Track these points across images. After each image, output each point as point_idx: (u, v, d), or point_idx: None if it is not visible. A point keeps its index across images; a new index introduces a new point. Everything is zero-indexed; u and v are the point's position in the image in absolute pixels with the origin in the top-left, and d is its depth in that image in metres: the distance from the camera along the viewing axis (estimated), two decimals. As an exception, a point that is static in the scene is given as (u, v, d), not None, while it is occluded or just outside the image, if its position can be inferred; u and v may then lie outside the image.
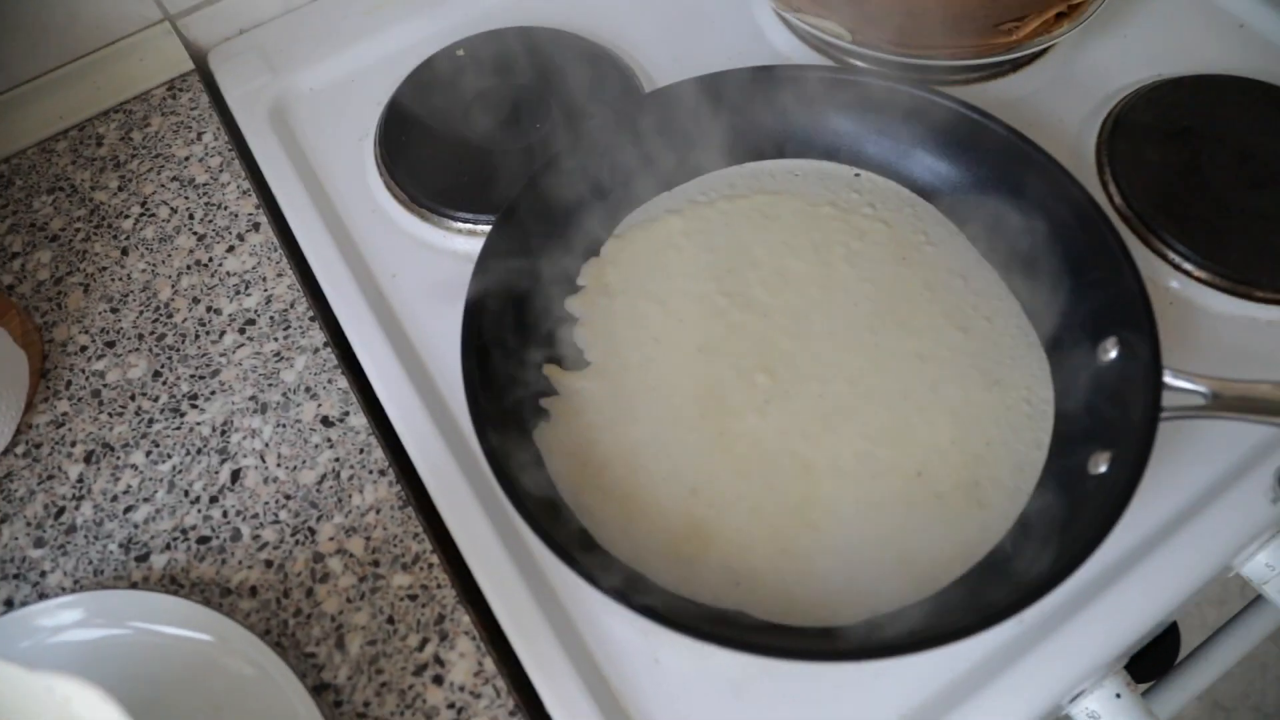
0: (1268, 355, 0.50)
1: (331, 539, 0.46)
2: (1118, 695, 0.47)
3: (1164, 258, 0.53)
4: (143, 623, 0.42)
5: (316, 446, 0.49)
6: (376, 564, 0.45)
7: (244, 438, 0.49)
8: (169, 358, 0.52)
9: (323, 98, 0.63)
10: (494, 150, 0.58)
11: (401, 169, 0.58)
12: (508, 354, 0.48)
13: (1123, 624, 0.43)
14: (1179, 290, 0.52)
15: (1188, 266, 0.52)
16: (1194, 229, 0.53)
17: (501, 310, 0.49)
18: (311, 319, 0.53)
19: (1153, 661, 0.57)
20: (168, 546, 0.47)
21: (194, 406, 0.51)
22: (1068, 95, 0.60)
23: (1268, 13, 0.63)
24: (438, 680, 0.43)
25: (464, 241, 0.56)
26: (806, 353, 0.48)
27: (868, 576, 0.42)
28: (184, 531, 0.47)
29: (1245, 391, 0.40)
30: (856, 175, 0.55)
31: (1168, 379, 0.41)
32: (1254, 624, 0.58)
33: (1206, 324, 0.51)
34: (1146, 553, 0.45)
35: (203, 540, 0.47)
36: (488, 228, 0.54)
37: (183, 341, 0.53)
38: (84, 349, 0.53)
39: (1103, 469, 0.42)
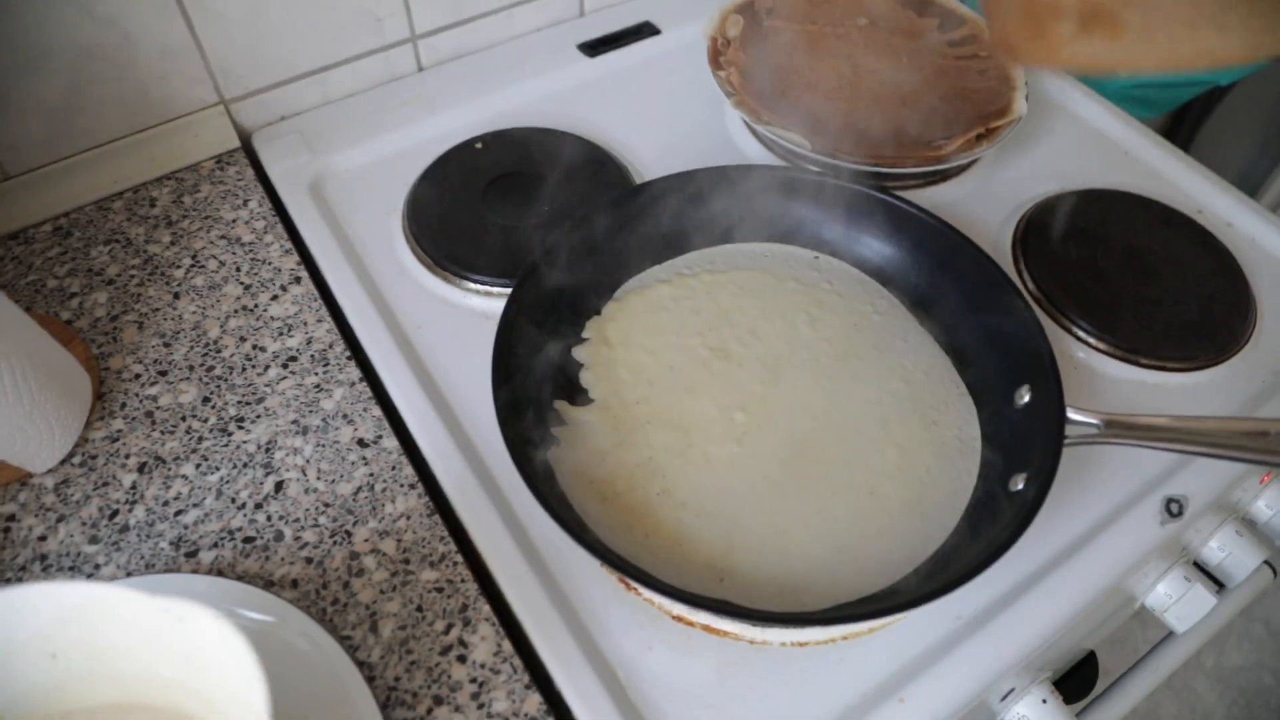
0: (1151, 407, 0.60)
1: (366, 540, 0.53)
2: (1044, 701, 0.56)
3: (1070, 332, 0.64)
4: (226, 604, 0.48)
5: (353, 464, 0.56)
6: (407, 561, 0.52)
7: (287, 455, 0.56)
8: (217, 386, 0.59)
9: (356, 176, 0.72)
10: (507, 226, 0.68)
11: (426, 238, 0.67)
12: (526, 391, 0.56)
13: (1044, 621, 0.52)
14: (1083, 359, 0.63)
15: (1088, 339, 0.63)
16: (1092, 310, 0.64)
17: (520, 356, 0.57)
18: (349, 358, 0.61)
19: (1076, 685, 0.65)
20: (215, 545, 0.52)
21: (240, 428, 0.57)
22: (989, 201, 0.72)
23: (1145, 143, 0.77)
24: (461, 659, 0.49)
25: (479, 300, 0.64)
26: (776, 396, 0.58)
27: (830, 573, 0.50)
28: (230, 532, 0.53)
29: (1130, 420, 0.50)
30: (816, 258, 0.65)
31: (1069, 413, 0.51)
32: (1165, 656, 0.67)
33: (1103, 384, 0.62)
34: (1057, 565, 0.54)
35: (248, 540, 0.53)
36: (502, 289, 0.63)
37: (230, 373, 0.60)
38: (138, 376, 0.60)
39: (1020, 486, 0.51)
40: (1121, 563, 0.54)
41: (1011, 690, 0.54)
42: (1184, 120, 1.46)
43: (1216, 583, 0.64)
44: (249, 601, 0.48)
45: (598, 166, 0.72)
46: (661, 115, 0.78)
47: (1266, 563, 0.65)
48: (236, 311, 0.63)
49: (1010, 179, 0.74)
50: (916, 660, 0.50)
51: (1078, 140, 0.78)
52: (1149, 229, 0.70)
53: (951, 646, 0.50)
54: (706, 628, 0.50)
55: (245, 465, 0.56)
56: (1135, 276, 0.66)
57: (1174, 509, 0.56)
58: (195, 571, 0.51)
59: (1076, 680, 0.66)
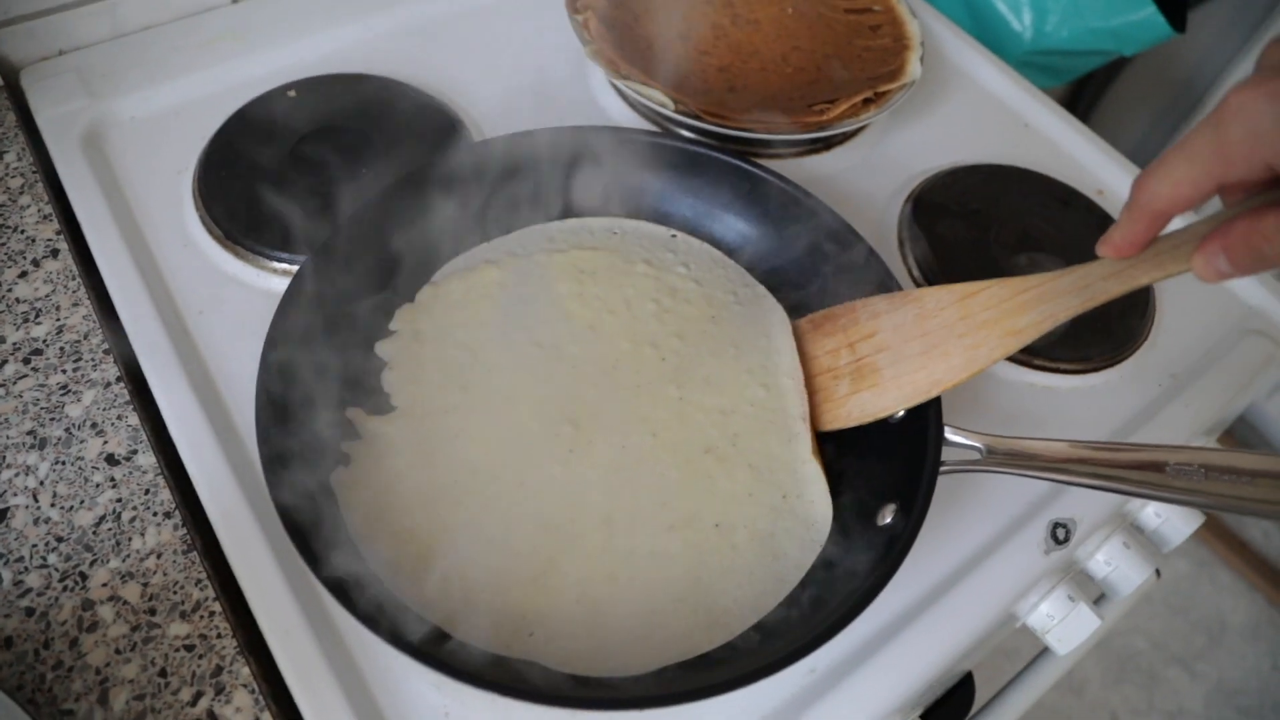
0: (1039, 416, 0.54)
1: (105, 585, 0.43)
2: (912, 742, 0.49)
3: (952, 328, 0.57)
4: None
5: (98, 486, 0.46)
6: (153, 612, 0.43)
7: (16, 475, 0.46)
8: (-63, 388, 0.48)
9: (143, 127, 0.61)
10: (319, 192, 0.57)
11: (220, 205, 0.56)
12: (309, 395, 0.47)
13: (911, 671, 0.45)
14: (966, 358, 0.56)
15: (973, 336, 0.56)
16: (980, 302, 0.57)
17: (306, 349, 0.47)
18: (105, 352, 0.50)
19: (949, 711, 0.59)
20: (-87, 593, 0.43)
21: (-40, 441, 0.47)
22: (875, 175, 0.65)
23: (1048, 115, 0.70)
24: (209, 736, 0.40)
25: (280, 281, 0.54)
26: (612, 405, 0.49)
27: (662, 626, 0.43)
28: (-67, 577, 0.43)
29: (1015, 447, 0.43)
30: (673, 236, 0.57)
31: (948, 434, 0.44)
32: (1041, 674, 0.62)
33: (989, 387, 0.55)
34: (932, 602, 0.47)
35: (-45, 586, 0.43)
36: (306, 269, 0.53)
37: (-45, 371, 0.49)
38: None
39: (889, 520, 0.44)
40: (1000, 600, 0.48)
41: (873, 740, 0.48)
42: (1086, 89, 1.41)
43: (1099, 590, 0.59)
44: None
45: (431, 122, 0.62)
46: (514, 66, 0.68)
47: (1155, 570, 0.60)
48: (-28, 292, 0.52)
49: (900, 150, 0.67)
50: (761, 723, 0.43)
51: (975, 109, 0.71)
52: (1046, 211, 0.63)
53: (804, 706, 0.44)
54: (515, 687, 0.43)
55: (-39, 489, 0.45)
56: (1029, 265, 0.60)
57: (1060, 535, 0.50)
58: (-119, 627, 0.42)
59: (951, 705, 0.60)
